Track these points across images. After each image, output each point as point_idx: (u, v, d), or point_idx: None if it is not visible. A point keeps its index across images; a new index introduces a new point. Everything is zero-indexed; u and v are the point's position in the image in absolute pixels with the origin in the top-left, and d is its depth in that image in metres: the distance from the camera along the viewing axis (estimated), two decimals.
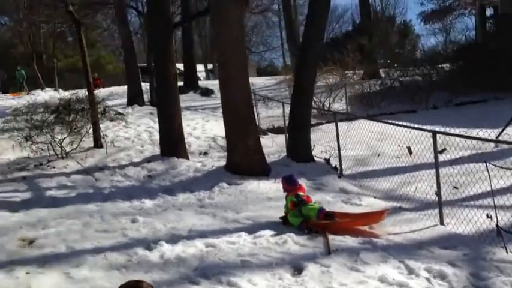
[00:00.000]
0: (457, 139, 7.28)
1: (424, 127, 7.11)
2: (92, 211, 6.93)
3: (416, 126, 7.35)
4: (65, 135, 10.59)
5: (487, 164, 5.59)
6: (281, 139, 11.69)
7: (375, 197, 7.54)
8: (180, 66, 23.80)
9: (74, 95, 11.29)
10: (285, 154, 10.15)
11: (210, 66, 43.30)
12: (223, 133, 10.06)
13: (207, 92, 22.53)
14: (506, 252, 4.97)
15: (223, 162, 9.44)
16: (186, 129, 11.47)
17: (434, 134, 6.31)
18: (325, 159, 9.87)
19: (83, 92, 11.60)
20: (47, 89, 26.89)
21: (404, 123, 7.98)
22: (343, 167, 9.04)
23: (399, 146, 8.48)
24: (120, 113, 14.15)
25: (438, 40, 28.06)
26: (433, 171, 6.44)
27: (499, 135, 9.37)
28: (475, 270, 4.58)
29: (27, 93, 25.04)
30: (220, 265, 4.83)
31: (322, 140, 10.87)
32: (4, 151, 11.25)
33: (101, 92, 18.24)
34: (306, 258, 4.92)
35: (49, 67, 31.25)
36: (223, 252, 5.15)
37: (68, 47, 37.35)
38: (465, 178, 6.91)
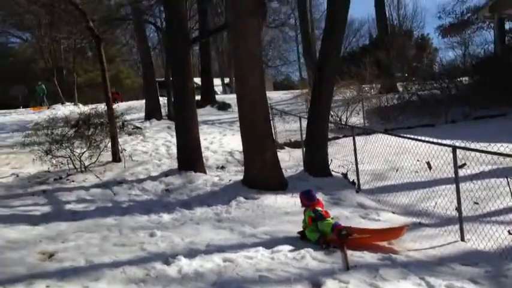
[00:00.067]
0: (477, 154, 7.18)
1: (444, 142, 7.05)
2: (110, 225, 6.98)
3: (435, 140, 7.29)
4: (84, 149, 10.72)
5: (508, 179, 5.50)
6: (298, 153, 11.67)
7: (393, 212, 7.46)
8: (197, 80, 24.03)
9: (94, 109, 11.44)
10: (302, 168, 10.13)
11: (226, 80, 43.60)
12: (240, 147, 10.09)
13: (224, 106, 22.64)
14: None
15: (240, 177, 9.45)
16: (203, 143, 11.53)
17: (454, 149, 6.24)
18: (342, 173, 9.81)
19: (102, 107, 11.75)
20: (67, 103, 27.35)
21: (423, 138, 7.90)
22: (360, 181, 8.98)
23: (418, 160, 8.40)
24: (138, 127, 14.33)
25: (456, 54, 27.79)
26: (453, 186, 6.36)
27: None
28: None
29: (48, 108, 25.49)
30: (238, 280, 4.81)
31: (339, 154, 10.82)
32: (25, 165, 11.43)
33: (119, 106, 18.48)
34: (324, 274, 4.87)
35: (69, 82, 31.80)
36: (241, 267, 5.13)
37: (88, 62, 38.03)
38: (486, 193, 6.81)
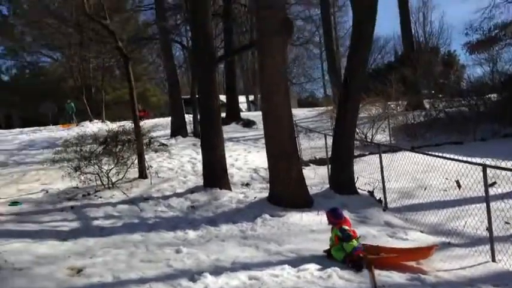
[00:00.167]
0: (508, 172, 7.02)
1: (473, 160, 6.93)
2: (137, 241, 7.04)
3: (464, 158, 7.16)
4: (112, 166, 10.89)
5: None
6: (323, 170, 11.61)
7: (422, 232, 7.34)
8: (222, 97, 24.23)
9: (121, 127, 11.64)
10: (328, 186, 10.06)
11: (251, 97, 43.86)
12: (265, 164, 10.10)
13: (248, 123, 22.75)
14: None
15: (265, 194, 9.44)
16: (228, 160, 11.57)
17: (485, 167, 6.12)
18: (369, 191, 9.70)
19: (129, 124, 11.95)
20: (95, 120, 27.88)
21: (452, 156, 7.77)
22: (387, 199, 8.86)
23: (446, 178, 8.26)
24: (164, 144, 14.48)
25: (484, 70, 27.36)
26: (483, 205, 6.23)
27: None
28: None
29: (76, 125, 26.01)
30: None
31: (365, 172, 10.72)
32: (54, 181, 11.67)
33: (145, 124, 18.77)
34: None
35: (97, 100, 32.45)
36: (266, 285, 5.10)
37: (116, 80, 38.77)
38: None
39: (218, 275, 5.39)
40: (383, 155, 9.19)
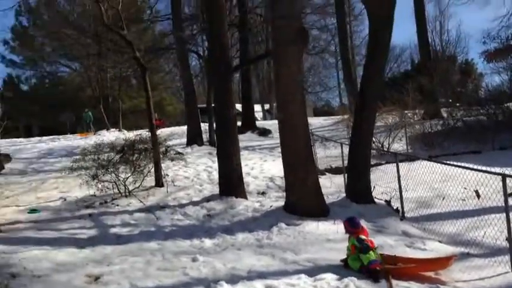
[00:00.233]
0: None
1: (492, 169, 6.84)
2: (153, 249, 7.08)
3: (483, 168, 7.07)
4: (129, 175, 10.98)
5: None
6: (339, 179, 11.55)
7: (440, 242, 7.25)
8: (238, 106, 24.33)
9: (138, 135, 11.75)
10: (344, 195, 10.00)
11: (267, 106, 43.93)
12: (280, 173, 10.09)
13: (264, 132, 22.77)
14: None
15: (281, 203, 9.42)
16: (244, 169, 11.58)
17: (504, 177, 6.04)
18: (386, 200, 9.61)
19: (146, 133, 12.05)
20: (112, 129, 28.19)
21: (470, 165, 7.67)
22: (405, 209, 8.77)
23: (465, 188, 8.15)
24: (180, 153, 14.56)
25: (503, 79, 27.03)
26: (503, 215, 6.12)
27: None
28: None
29: (94, 134, 26.32)
30: None
31: (381, 181, 10.63)
32: (72, 189, 11.81)
33: (162, 133, 18.92)
34: None
35: (114, 109, 32.85)
36: None
37: (132, 89, 39.21)
38: None
39: (234, 283, 5.40)
40: (400, 164, 9.12)
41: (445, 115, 20.78)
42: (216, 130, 11.65)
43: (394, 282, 5.30)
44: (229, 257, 6.59)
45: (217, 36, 10.87)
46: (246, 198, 10.21)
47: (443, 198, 9.22)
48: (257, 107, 36.75)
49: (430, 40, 30.08)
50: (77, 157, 11.54)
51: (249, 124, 23.96)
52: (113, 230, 8.34)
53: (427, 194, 9.65)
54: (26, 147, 21.53)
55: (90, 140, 20.28)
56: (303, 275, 5.60)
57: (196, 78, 30.17)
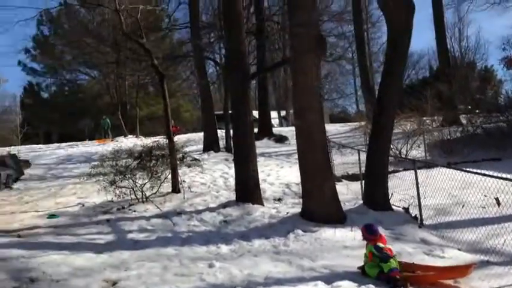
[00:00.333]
0: None
1: None
2: (170, 255, 7.10)
3: (503, 175, 6.96)
4: (146, 181, 11.05)
5: None
6: (356, 186, 11.47)
7: (459, 249, 7.13)
8: (254, 113, 24.37)
9: (156, 142, 11.84)
10: (361, 202, 9.93)
11: (283, 113, 43.94)
12: (297, 179, 10.06)
13: (281, 139, 22.74)
14: None
15: (297, 209, 9.39)
16: (260, 176, 11.58)
17: None
18: (404, 208, 9.51)
19: (163, 140, 12.13)
20: (129, 136, 28.44)
21: (490, 172, 7.55)
22: (423, 216, 8.66)
23: (485, 195, 8.02)
24: (196, 159, 14.63)
25: None
26: None
27: None
28: None
29: (112, 140, 26.58)
30: None
31: (399, 188, 10.52)
32: (90, 194, 11.94)
33: (179, 139, 19.04)
34: None
35: (131, 115, 33.17)
36: None
37: (149, 97, 39.58)
38: None
39: None
40: (418, 171, 9.03)
41: (464, 122, 20.55)
42: (233, 136, 11.70)
43: None
44: (245, 263, 6.58)
45: (234, 44, 10.94)
46: (262, 204, 10.20)
47: (463, 206, 9.08)
48: (273, 114, 36.79)
49: (449, 47, 29.86)
50: (95, 163, 11.68)
51: (266, 131, 23.97)
52: (130, 236, 8.39)
53: (446, 201, 9.52)
54: (45, 154, 21.85)
55: (108, 146, 20.46)
56: (320, 282, 5.57)
57: (213, 85, 30.33)
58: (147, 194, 10.95)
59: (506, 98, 22.15)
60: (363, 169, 10.42)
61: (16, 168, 15.52)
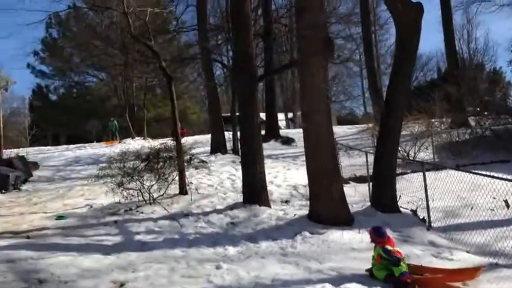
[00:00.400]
0: None
1: None
2: (177, 256, 7.10)
3: None
4: (153, 182, 11.07)
5: None
6: (363, 188, 11.43)
7: (468, 252, 7.08)
8: (261, 115, 24.37)
9: (163, 144, 11.86)
10: (369, 204, 9.88)
11: (290, 115, 43.93)
12: (304, 181, 10.03)
13: (288, 141, 22.73)
14: None
15: (305, 211, 9.37)
16: (268, 178, 11.56)
17: None
18: (412, 210, 9.45)
19: (171, 142, 12.15)
20: (137, 138, 28.55)
21: (499, 174, 7.50)
22: (431, 218, 8.62)
23: (494, 198, 7.97)
24: (203, 161, 14.65)
25: None
26: None
27: None
28: None
29: (119, 142, 26.69)
30: None
31: (407, 190, 10.47)
32: (97, 196, 11.99)
33: (186, 141, 19.09)
34: None
35: (139, 118, 33.32)
36: None
37: (157, 99, 39.75)
38: None
39: None
40: (426, 173, 8.98)
41: (472, 124, 20.43)
42: (240, 138, 11.70)
43: None
44: (253, 265, 6.57)
45: (242, 46, 10.94)
46: (269, 206, 10.18)
47: (472, 208, 9.02)
48: (280, 116, 36.80)
49: (457, 48, 29.71)
50: (103, 165, 11.72)
51: (273, 133, 23.99)
52: (138, 237, 8.40)
53: (455, 203, 9.45)
54: (53, 155, 21.99)
55: (115, 148, 20.58)
56: (327, 284, 5.54)
57: (220, 87, 30.41)
58: (155, 195, 10.97)
59: None
60: (371, 171, 10.38)
61: (25, 169, 15.63)
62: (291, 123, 42.83)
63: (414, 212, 9.33)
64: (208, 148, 19.45)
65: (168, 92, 13.16)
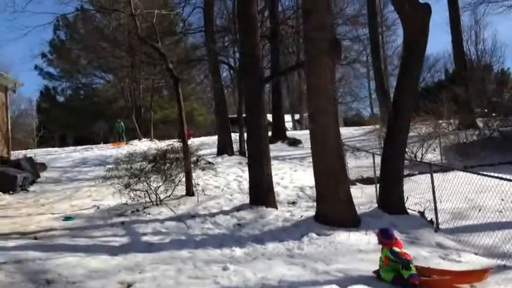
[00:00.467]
0: None
1: None
2: (184, 257, 7.12)
3: None
4: (160, 184, 11.10)
5: None
6: (370, 190, 11.40)
7: (476, 254, 7.04)
8: (268, 116, 24.36)
9: (170, 145, 11.88)
10: (376, 205, 9.86)
11: (297, 116, 43.88)
12: (311, 183, 10.01)
13: (294, 142, 22.73)
14: None
15: (311, 212, 9.35)
16: (274, 179, 11.54)
17: None
18: (419, 211, 9.40)
19: (177, 143, 12.16)
20: (144, 139, 28.64)
21: (508, 176, 7.44)
22: (439, 220, 8.57)
23: (502, 199, 7.91)
24: (210, 163, 14.67)
25: None
26: None
27: None
28: None
29: (126, 144, 26.78)
30: None
31: (414, 192, 10.42)
32: (104, 197, 12.04)
33: (193, 143, 19.12)
34: None
35: (145, 119, 33.44)
36: None
37: (163, 100, 39.87)
38: None
39: None
40: (434, 175, 8.93)
41: (480, 125, 20.31)
42: (247, 140, 11.71)
43: None
44: (259, 266, 6.56)
45: (249, 48, 10.96)
46: (276, 207, 10.18)
47: (480, 210, 8.96)
48: (287, 117, 36.77)
49: (465, 49, 29.56)
50: (110, 166, 11.76)
51: (280, 134, 23.99)
52: (145, 238, 8.42)
53: (463, 205, 9.40)
54: (60, 157, 22.12)
55: (122, 149, 20.64)
56: (334, 286, 5.53)
57: (227, 89, 30.43)
58: (161, 197, 10.99)
59: None
60: (378, 172, 10.35)
61: (32, 171, 15.73)
62: (297, 124, 42.80)
63: (422, 213, 9.28)
64: (215, 149, 19.48)
65: (175, 94, 13.18)
